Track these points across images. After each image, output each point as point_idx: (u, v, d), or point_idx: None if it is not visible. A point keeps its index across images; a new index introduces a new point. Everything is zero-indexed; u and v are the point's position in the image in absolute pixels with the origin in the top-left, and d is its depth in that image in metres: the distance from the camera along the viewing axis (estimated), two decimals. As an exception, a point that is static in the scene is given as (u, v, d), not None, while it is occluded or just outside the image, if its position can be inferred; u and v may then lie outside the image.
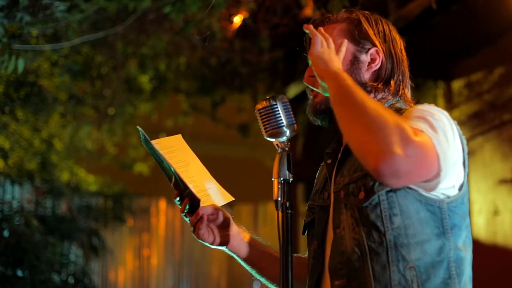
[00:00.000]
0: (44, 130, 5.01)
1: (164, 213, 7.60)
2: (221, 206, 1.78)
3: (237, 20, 4.83)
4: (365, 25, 1.68)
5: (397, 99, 1.68)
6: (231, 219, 1.78)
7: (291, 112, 1.61)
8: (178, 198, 1.73)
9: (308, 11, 4.14)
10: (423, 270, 1.47)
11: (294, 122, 1.61)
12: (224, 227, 1.76)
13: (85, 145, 6.03)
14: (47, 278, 4.07)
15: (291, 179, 1.57)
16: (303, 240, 1.86)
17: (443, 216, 1.51)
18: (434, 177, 1.45)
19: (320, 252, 1.63)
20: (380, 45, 1.67)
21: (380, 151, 1.34)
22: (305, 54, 1.77)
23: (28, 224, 4.15)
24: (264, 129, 1.60)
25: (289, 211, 1.54)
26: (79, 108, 5.64)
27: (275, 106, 1.59)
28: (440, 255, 1.49)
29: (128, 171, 6.54)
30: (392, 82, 1.67)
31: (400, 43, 1.72)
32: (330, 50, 1.59)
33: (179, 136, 1.81)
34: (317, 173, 1.84)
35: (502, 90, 4.19)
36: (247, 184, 7.47)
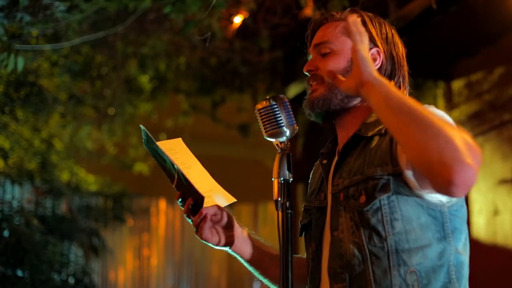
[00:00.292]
0: (44, 130, 5.01)
1: (164, 213, 7.60)
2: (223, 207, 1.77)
3: (237, 20, 4.83)
4: (368, 25, 1.68)
5: None
6: (235, 220, 1.77)
7: (291, 112, 1.61)
8: (180, 199, 1.72)
9: (308, 11, 4.14)
10: (424, 275, 1.47)
11: (294, 122, 1.61)
12: (228, 227, 1.75)
13: (85, 145, 6.03)
14: (47, 278, 4.07)
15: (291, 179, 1.57)
16: (303, 240, 1.86)
17: (444, 220, 1.51)
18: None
19: (319, 254, 1.63)
20: (382, 46, 1.67)
21: (455, 163, 1.28)
22: (305, 50, 1.78)
23: (28, 224, 4.15)
24: (264, 129, 1.60)
25: (289, 211, 1.54)
26: (79, 108, 5.64)
27: (275, 106, 1.59)
28: (441, 259, 1.49)
29: (128, 171, 6.54)
30: (392, 83, 1.67)
31: (401, 49, 1.72)
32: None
33: (180, 140, 1.81)
34: (311, 174, 1.83)
35: (502, 90, 4.19)
36: (247, 184, 7.47)
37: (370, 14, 1.73)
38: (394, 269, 1.47)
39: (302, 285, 1.72)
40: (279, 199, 1.54)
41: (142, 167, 6.44)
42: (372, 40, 1.67)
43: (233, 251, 1.78)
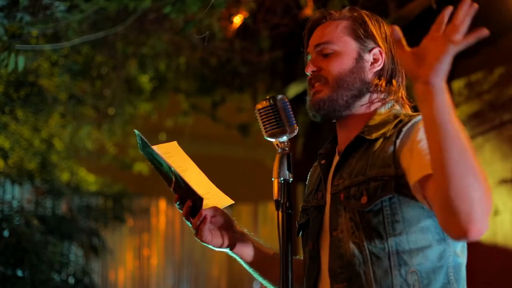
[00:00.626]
0: (44, 130, 5.01)
1: (164, 213, 7.60)
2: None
3: (237, 20, 4.83)
4: (369, 25, 1.67)
5: (393, 103, 1.67)
6: (234, 221, 1.77)
7: (291, 112, 1.61)
8: (178, 202, 1.71)
9: (308, 11, 4.15)
10: (425, 275, 1.47)
11: (294, 122, 1.61)
12: (227, 229, 1.74)
13: (85, 145, 6.03)
14: (47, 278, 4.07)
15: (291, 179, 1.57)
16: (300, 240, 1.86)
17: None
18: None
19: (316, 253, 1.63)
20: (383, 45, 1.67)
21: (479, 220, 1.26)
22: (302, 49, 1.77)
23: (28, 224, 4.15)
24: (264, 129, 1.60)
25: (289, 211, 1.54)
26: (79, 108, 5.64)
27: (275, 106, 1.59)
28: (440, 260, 1.49)
29: (128, 171, 6.54)
30: (394, 82, 1.66)
31: None
32: None
33: (175, 143, 1.80)
34: (309, 175, 1.83)
35: (502, 90, 4.19)
36: (247, 184, 7.48)
37: (368, 12, 1.72)
38: (395, 269, 1.47)
39: (301, 286, 1.72)
40: (279, 199, 1.54)
41: (142, 167, 6.44)
42: (373, 39, 1.66)
43: (233, 252, 1.77)
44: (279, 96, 1.61)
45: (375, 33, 1.67)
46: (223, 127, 6.38)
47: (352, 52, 1.65)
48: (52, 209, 4.87)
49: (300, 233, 1.76)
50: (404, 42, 1.34)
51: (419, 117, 1.53)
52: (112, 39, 4.86)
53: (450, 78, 4.65)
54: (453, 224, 1.28)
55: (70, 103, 5.41)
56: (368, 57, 1.66)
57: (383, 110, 1.65)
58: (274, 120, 1.58)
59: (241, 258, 1.78)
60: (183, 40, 5.21)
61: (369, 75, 1.65)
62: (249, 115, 6.13)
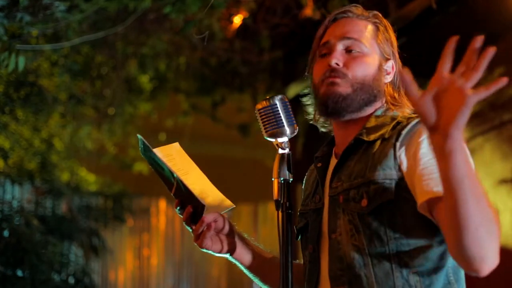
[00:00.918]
0: (44, 130, 5.00)
1: (164, 213, 7.59)
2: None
3: (237, 20, 4.83)
4: (391, 34, 1.68)
5: (389, 105, 1.66)
6: (234, 226, 1.76)
7: (291, 112, 1.60)
8: (179, 207, 1.70)
9: (308, 11, 4.14)
10: (426, 276, 1.47)
11: (294, 122, 1.60)
12: (227, 234, 1.73)
13: (85, 145, 6.03)
14: (47, 278, 4.06)
15: (291, 179, 1.57)
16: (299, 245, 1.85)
17: None
18: None
19: (316, 256, 1.62)
20: (396, 55, 1.68)
21: (491, 262, 1.35)
22: (302, 49, 1.77)
23: (28, 224, 4.15)
24: (264, 129, 1.60)
25: (289, 211, 1.54)
26: (79, 108, 5.63)
27: (275, 106, 1.59)
28: (441, 261, 1.49)
29: (128, 171, 6.53)
30: (398, 91, 1.66)
31: (395, 45, 1.72)
32: None
33: (177, 144, 1.78)
34: (305, 178, 1.82)
35: (502, 90, 4.17)
36: (247, 184, 7.47)
37: (386, 20, 1.71)
38: (396, 270, 1.47)
39: None
40: (279, 199, 1.54)
41: (142, 167, 6.44)
42: (391, 50, 1.67)
43: (233, 258, 1.76)
44: (279, 96, 1.61)
45: (393, 44, 1.67)
46: (223, 127, 6.38)
47: (377, 58, 1.64)
48: (52, 209, 4.87)
49: (299, 237, 1.75)
50: (415, 86, 1.25)
51: (418, 120, 1.53)
52: (112, 39, 4.86)
53: (450, 78, 4.66)
54: (466, 264, 1.33)
55: (70, 103, 5.41)
56: (385, 67, 1.66)
57: (379, 112, 1.65)
58: (274, 120, 1.58)
59: (240, 263, 1.77)
60: (183, 40, 5.21)
61: (383, 84, 1.65)
62: (249, 115, 6.13)
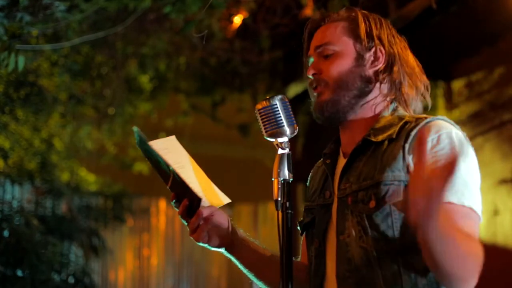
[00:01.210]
0: (44, 130, 5.00)
1: (164, 213, 7.60)
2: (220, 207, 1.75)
3: (237, 20, 4.83)
4: (367, 24, 1.67)
5: (396, 104, 1.66)
6: (230, 221, 1.75)
7: (291, 112, 1.60)
8: (175, 201, 1.70)
9: (308, 11, 4.15)
10: (433, 279, 1.47)
11: (294, 122, 1.60)
12: (223, 229, 1.72)
13: (85, 145, 6.03)
14: (47, 278, 4.06)
15: (291, 179, 1.57)
16: (300, 242, 1.85)
17: None
18: None
19: (322, 251, 1.62)
20: (382, 43, 1.67)
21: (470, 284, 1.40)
22: (300, 53, 1.77)
23: (28, 224, 4.15)
24: (264, 129, 1.60)
25: (289, 211, 1.53)
26: (79, 108, 5.63)
27: (275, 106, 1.59)
28: None
29: (128, 171, 6.53)
30: (391, 78, 1.66)
31: (400, 43, 1.71)
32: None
33: (173, 138, 1.78)
34: (311, 175, 1.82)
35: (502, 90, 4.19)
36: (247, 184, 7.47)
37: (365, 11, 1.72)
38: (404, 273, 1.47)
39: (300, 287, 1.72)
40: (279, 199, 1.54)
41: (142, 167, 6.44)
42: (372, 38, 1.66)
43: (229, 252, 1.75)
44: (279, 96, 1.60)
45: (374, 31, 1.67)
46: (223, 127, 6.38)
47: (352, 52, 1.65)
48: (52, 209, 4.87)
49: (304, 233, 1.76)
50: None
51: (427, 120, 1.54)
52: (112, 39, 4.85)
53: (450, 78, 4.66)
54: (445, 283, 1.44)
55: (70, 103, 5.41)
56: (369, 56, 1.66)
57: (386, 113, 1.65)
58: (274, 120, 1.58)
59: (236, 258, 1.77)
60: (183, 40, 5.21)
61: (370, 73, 1.65)
62: (249, 115, 6.13)
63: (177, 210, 1.70)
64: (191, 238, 1.70)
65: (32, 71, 4.30)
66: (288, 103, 1.61)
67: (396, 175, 1.49)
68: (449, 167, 1.36)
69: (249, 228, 7.59)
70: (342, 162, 1.66)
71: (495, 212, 4.13)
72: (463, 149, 1.50)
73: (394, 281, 1.47)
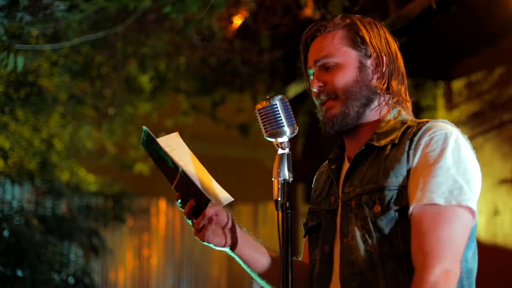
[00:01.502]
0: (44, 130, 5.00)
1: (164, 213, 7.59)
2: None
3: (237, 20, 4.83)
4: (364, 30, 1.67)
5: (399, 109, 1.67)
6: (234, 220, 1.75)
7: (291, 112, 1.60)
8: (180, 200, 1.69)
9: (308, 11, 4.15)
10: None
11: (294, 122, 1.60)
12: (228, 228, 1.72)
13: (85, 145, 6.02)
14: (47, 278, 4.06)
15: (291, 179, 1.57)
16: (302, 241, 1.85)
17: None
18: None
19: (330, 257, 1.63)
20: (380, 49, 1.67)
21: None
22: (299, 64, 1.78)
23: (28, 224, 4.15)
24: (264, 129, 1.60)
25: (289, 211, 1.54)
26: (79, 108, 5.63)
27: (275, 106, 1.59)
28: None
29: (128, 171, 6.53)
30: (394, 83, 1.67)
31: (394, 44, 1.71)
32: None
33: (176, 134, 1.78)
34: (316, 178, 1.83)
35: (502, 90, 4.19)
36: (247, 184, 7.47)
37: (359, 16, 1.72)
38: (408, 276, 1.47)
39: (300, 286, 1.72)
40: (279, 199, 1.54)
41: (142, 167, 6.43)
42: (371, 44, 1.66)
43: (233, 252, 1.75)
44: (279, 96, 1.61)
45: (372, 37, 1.67)
46: (223, 127, 6.37)
47: (354, 61, 1.65)
48: (52, 209, 4.87)
49: (307, 235, 1.76)
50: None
51: (428, 124, 1.55)
52: (112, 39, 4.85)
53: (450, 78, 4.66)
54: None
55: (70, 103, 5.41)
56: (370, 63, 1.66)
57: (389, 117, 1.66)
58: (274, 120, 1.58)
59: (240, 258, 1.76)
60: (183, 40, 5.20)
61: (374, 80, 1.66)
62: (249, 115, 6.13)
63: (182, 210, 1.70)
64: (196, 237, 1.70)
65: (32, 71, 4.30)
66: (288, 103, 1.61)
67: (400, 180, 1.51)
68: (435, 167, 1.42)
69: (249, 228, 7.56)
70: (346, 166, 1.67)
71: (495, 212, 4.12)
72: (457, 149, 1.51)
73: (398, 284, 1.48)
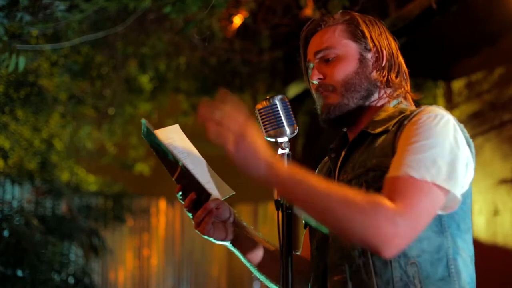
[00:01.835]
0: (44, 130, 5.01)
1: (164, 213, 7.60)
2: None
3: (237, 20, 4.83)
4: (363, 25, 1.68)
5: (400, 100, 1.68)
6: (235, 214, 1.75)
7: (291, 112, 1.61)
8: (180, 193, 1.69)
9: (308, 11, 4.15)
10: (424, 267, 1.48)
11: (294, 122, 1.61)
12: (229, 222, 1.72)
13: (85, 145, 6.03)
14: (47, 278, 4.07)
15: (291, 179, 1.57)
16: (302, 240, 1.86)
17: (441, 215, 1.51)
18: (447, 207, 1.49)
19: (324, 245, 1.63)
20: (380, 43, 1.68)
21: (374, 239, 1.36)
22: (297, 59, 1.78)
23: (28, 224, 4.15)
24: (264, 129, 1.60)
25: (289, 210, 1.54)
26: (79, 108, 5.64)
27: (275, 106, 1.59)
28: (439, 252, 1.49)
29: (128, 171, 6.54)
30: (394, 76, 1.67)
31: (393, 42, 1.73)
32: (247, 140, 1.45)
33: (177, 126, 1.77)
34: (318, 169, 1.83)
35: (502, 90, 4.19)
36: (247, 184, 7.47)
37: (359, 14, 1.73)
38: (394, 261, 1.48)
39: (301, 279, 1.72)
40: (279, 199, 1.54)
41: (142, 167, 6.44)
42: (371, 38, 1.67)
43: (233, 246, 1.75)
44: (279, 96, 1.61)
45: (372, 32, 1.68)
46: (223, 127, 6.37)
47: (354, 53, 1.66)
48: (52, 209, 4.88)
49: (307, 226, 1.77)
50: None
51: (420, 108, 1.55)
52: (112, 39, 4.86)
53: (450, 78, 4.66)
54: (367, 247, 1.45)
55: (70, 103, 5.41)
56: (370, 56, 1.67)
57: (390, 106, 1.67)
58: (274, 120, 1.58)
59: (240, 252, 1.76)
60: (183, 40, 5.21)
61: (374, 73, 1.67)
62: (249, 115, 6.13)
63: (182, 202, 1.69)
64: (196, 231, 1.69)
65: (32, 71, 4.31)
66: (288, 103, 1.61)
67: (384, 161, 1.50)
68: (416, 145, 1.43)
69: (249, 228, 7.58)
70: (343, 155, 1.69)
71: (495, 212, 4.13)
72: (445, 131, 1.49)
73: (385, 269, 1.48)
